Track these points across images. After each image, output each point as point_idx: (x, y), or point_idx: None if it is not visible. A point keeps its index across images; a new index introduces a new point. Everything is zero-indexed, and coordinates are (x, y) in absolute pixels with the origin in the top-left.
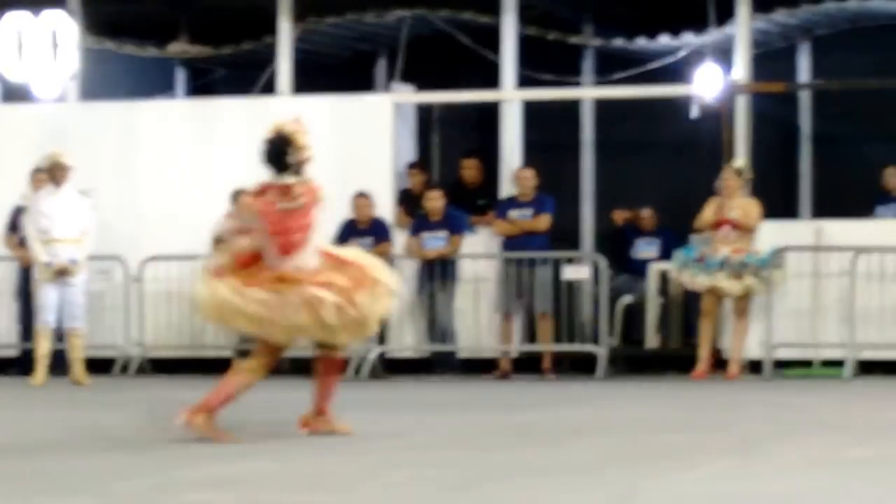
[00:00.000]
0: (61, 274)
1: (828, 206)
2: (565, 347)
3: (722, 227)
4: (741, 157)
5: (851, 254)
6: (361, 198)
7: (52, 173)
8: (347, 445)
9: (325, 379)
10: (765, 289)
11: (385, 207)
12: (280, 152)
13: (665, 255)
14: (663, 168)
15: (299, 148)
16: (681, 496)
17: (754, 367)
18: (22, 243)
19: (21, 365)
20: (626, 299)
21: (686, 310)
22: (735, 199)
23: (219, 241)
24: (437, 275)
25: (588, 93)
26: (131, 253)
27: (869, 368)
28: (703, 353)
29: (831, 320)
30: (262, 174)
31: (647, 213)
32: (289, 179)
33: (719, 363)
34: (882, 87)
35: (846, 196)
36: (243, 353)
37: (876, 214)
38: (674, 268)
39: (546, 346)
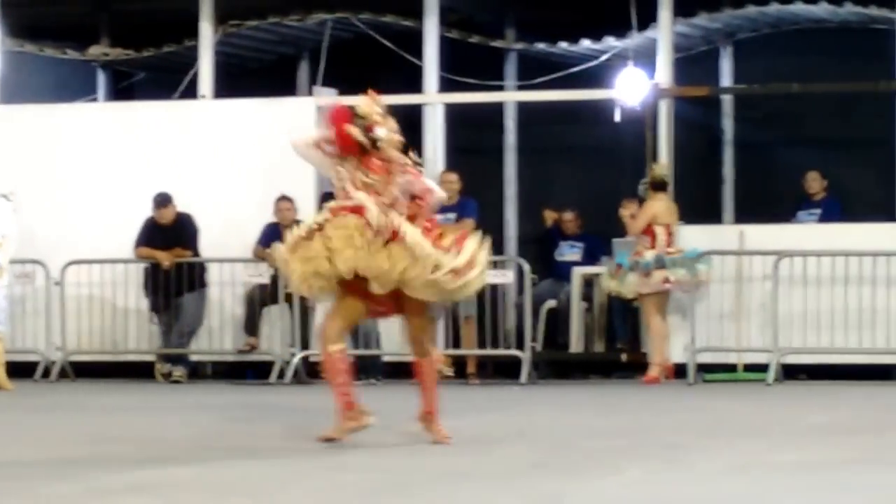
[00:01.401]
0: None
1: (750, 211)
2: (489, 352)
3: None
4: (661, 161)
5: (774, 258)
6: (284, 201)
7: None
8: (270, 451)
9: (421, 380)
10: (622, 292)
11: (308, 211)
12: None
13: (588, 259)
14: (586, 172)
15: (359, 116)
16: (605, 501)
17: (678, 371)
18: None
19: None
20: (550, 303)
21: (610, 314)
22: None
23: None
24: None
25: (511, 96)
26: (53, 257)
27: (792, 373)
28: (652, 358)
29: (754, 324)
30: (185, 177)
31: (569, 217)
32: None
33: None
34: (804, 91)
35: (768, 200)
36: (168, 359)
37: (798, 219)
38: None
39: (470, 350)
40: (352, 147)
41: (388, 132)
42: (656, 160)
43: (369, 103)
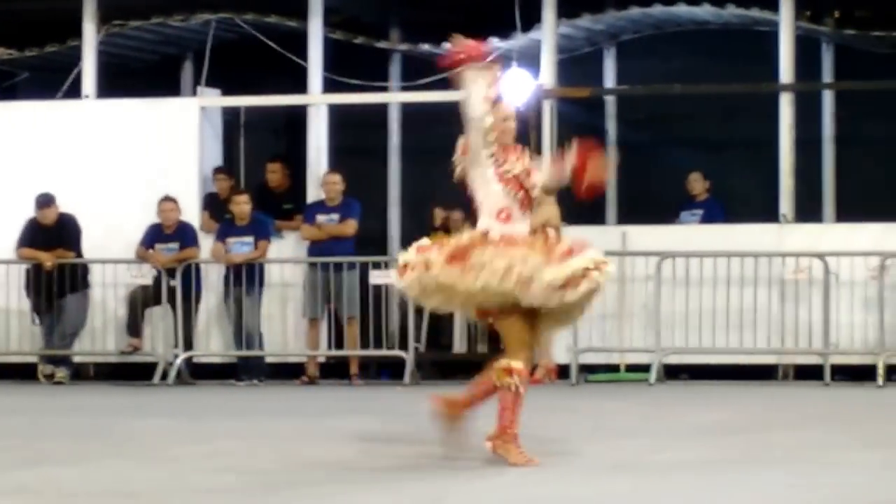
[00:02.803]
0: None
1: (633, 212)
2: (372, 352)
3: None
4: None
5: (656, 259)
6: (167, 202)
7: None
8: (152, 452)
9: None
10: None
11: (191, 212)
12: (461, 112)
13: None
14: None
15: (471, 105)
16: (487, 501)
17: (561, 371)
18: None
19: None
20: None
21: None
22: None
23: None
24: (244, 280)
25: (395, 97)
26: None
27: (674, 373)
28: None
29: (637, 325)
30: (68, 178)
31: (458, 217)
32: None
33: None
34: (686, 93)
35: (651, 201)
36: (50, 360)
37: (680, 220)
38: None
39: (353, 351)
40: None
41: (494, 122)
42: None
43: (482, 85)
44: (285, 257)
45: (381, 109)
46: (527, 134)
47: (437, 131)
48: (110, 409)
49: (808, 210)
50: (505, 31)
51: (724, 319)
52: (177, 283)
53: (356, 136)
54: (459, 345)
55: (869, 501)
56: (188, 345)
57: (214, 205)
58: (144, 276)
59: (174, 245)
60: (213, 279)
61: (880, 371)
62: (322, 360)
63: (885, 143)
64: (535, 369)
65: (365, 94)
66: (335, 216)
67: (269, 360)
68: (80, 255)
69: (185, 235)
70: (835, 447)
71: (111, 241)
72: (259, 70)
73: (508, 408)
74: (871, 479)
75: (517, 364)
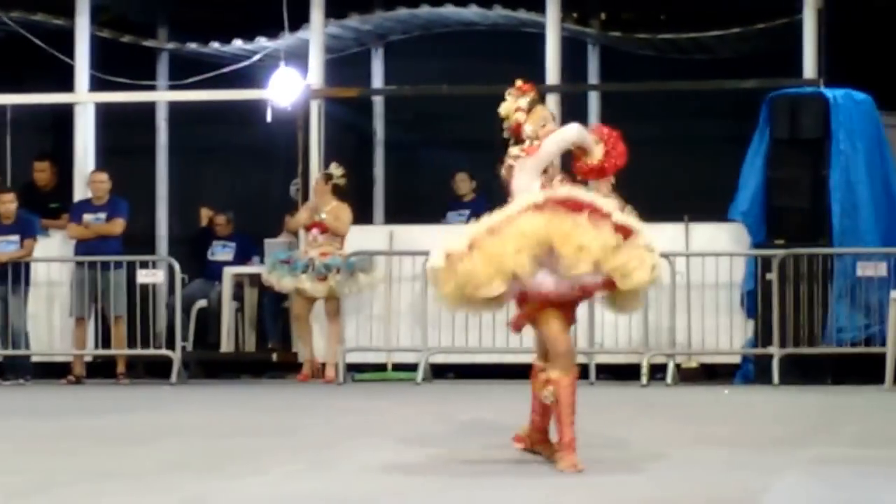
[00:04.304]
0: None
1: (401, 211)
2: (139, 351)
3: (311, 230)
4: (331, 163)
5: (423, 259)
6: None
7: None
8: None
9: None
10: (348, 291)
11: None
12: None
13: (240, 258)
14: (238, 172)
15: (504, 119)
16: (250, 499)
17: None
18: None
19: None
20: (201, 303)
21: (260, 314)
22: (326, 204)
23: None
24: (9, 279)
25: (162, 96)
26: None
27: (440, 372)
28: (305, 356)
29: (404, 324)
30: None
31: (221, 220)
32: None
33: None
34: (453, 94)
35: (418, 201)
36: None
37: (447, 220)
38: (265, 270)
39: (120, 350)
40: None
41: (533, 128)
42: (308, 161)
43: (510, 101)
44: (52, 256)
45: (149, 108)
46: (295, 133)
47: (204, 130)
48: None
49: None
50: (273, 31)
51: (491, 319)
52: None
53: (123, 134)
54: (227, 344)
55: (639, 499)
56: None
57: None
58: None
59: None
60: None
61: (644, 370)
62: (88, 359)
63: (651, 145)
64: (302, 367)
65: (132, 92)
66: (102, 215)
67: (34, 359)
68: None
69: None
70: (596, 447)
71: None
72: (25, 68)
73: (559, 420)
74: (634, 478)
75: (553, 373)
